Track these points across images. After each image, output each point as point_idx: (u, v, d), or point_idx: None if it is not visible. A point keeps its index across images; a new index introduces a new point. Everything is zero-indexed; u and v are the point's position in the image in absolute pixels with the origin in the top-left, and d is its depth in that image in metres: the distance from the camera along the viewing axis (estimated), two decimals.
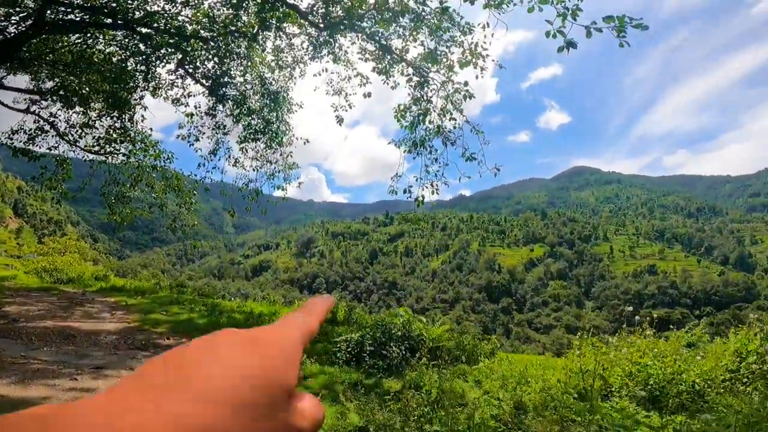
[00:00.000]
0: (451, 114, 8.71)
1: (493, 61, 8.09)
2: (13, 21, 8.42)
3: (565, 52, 5.28)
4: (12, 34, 8.33)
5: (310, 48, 9.78)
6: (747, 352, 4.23)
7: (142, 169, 10.86)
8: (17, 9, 8.10)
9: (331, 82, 9.99)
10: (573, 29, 5.08)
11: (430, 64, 8.45)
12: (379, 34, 8.52)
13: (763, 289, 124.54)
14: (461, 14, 7.75)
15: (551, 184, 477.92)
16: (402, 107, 8.88)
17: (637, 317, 4.47)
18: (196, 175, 10.68)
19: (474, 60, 7.91)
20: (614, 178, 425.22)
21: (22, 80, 10.71)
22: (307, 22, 9.05)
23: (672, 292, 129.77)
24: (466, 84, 8.43)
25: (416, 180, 8.60)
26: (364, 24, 8.34)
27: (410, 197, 8.54)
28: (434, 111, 8.86)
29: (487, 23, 7.40)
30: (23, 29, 8.30)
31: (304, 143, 11.46)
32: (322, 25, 8.68)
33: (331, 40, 9.15)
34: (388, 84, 9.27)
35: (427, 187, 8.58)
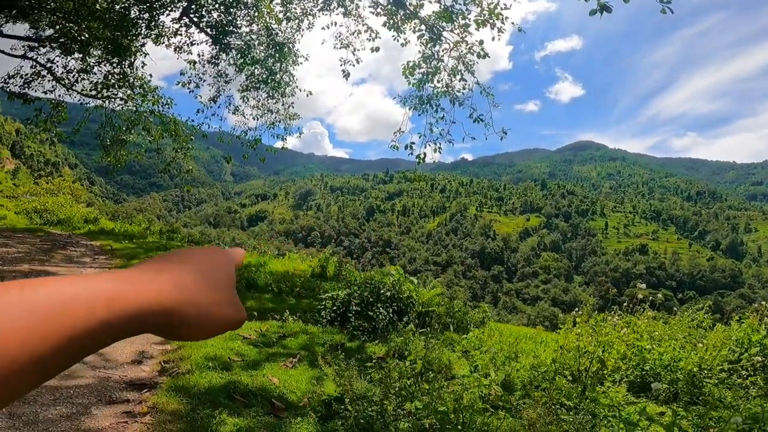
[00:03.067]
0: (462, 75, 8.41)
1: (513, 23, 7.67)
2: None
3: (597, 15, 4.90)
4: None
5: (321, 0, 9.25)
6: (750, 343, 4.04)
7: (139, 114, 10.79)
8: None
9: (339, 36, 9.53)
10: None
11: (444, 23, 8.01)
12: None
13: (748, 278, 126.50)
14: None
15: (555, 155, 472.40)
16: (411, 64, 8.56)
17: (640, 295, 4.24)
18: (194, 121, 10.60)
19: (492, 20, 7.45)
20: (619, 156, 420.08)
21: (22, 29, 10.72)
22: None
23: (659, 273, 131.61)
24: (481, 42, 8.04)
25: (420, 137, 8.36)
26: None
27: (411, 154, 8.32)
28: (444, 70, 8.55)
29: None
30: None
31: (308, 95, 11.35)
32: None
33: None
34: (398, 41, 8.85)
35: (429, 145, 8.38)
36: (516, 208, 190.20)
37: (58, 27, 9.73)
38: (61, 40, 9.73)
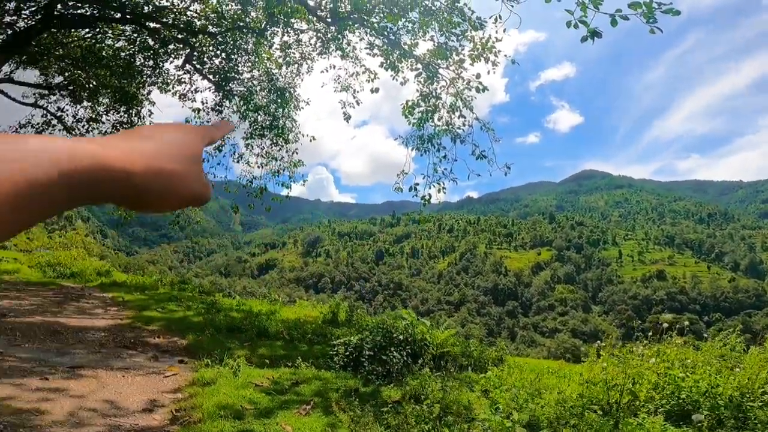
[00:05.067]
0: (461, 111, 8.50)
1: (506, 56, 7.88)
2: (23, 15, 8.39)
3: (589, 41, 5.00)
4: (22, 28, 8.22)
5: (318, 44, 9.62)
6: None
7: None
8: (28, 3, 7.99)
9: (338, 79, 9.81)
10: (596, 18, 4.71)
11: (439, 60, 8.24)
12: (388, 29, 8.26)
13: None
14: (472, 9, 7.47)
15: (560, 187, 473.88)
16: (410, 103, 8.62)
17: (664, 324, 4.06)
18: None
19: (486, 54, 7.67)
20: (625, 183, 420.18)
21: (32, 75, 11.02)
22: (315, 18, 8.83)
23: (681, 298, 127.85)
24: (478, 76, 8.14)
25: (423, 178, 8.30)
26: (373, 19, 8.08)
27: (416, 195, 8.23)
28: (443, 108, 8.64)
29: (500, 16, 7.14)
30: (33, 23, 8.17)
31: (311, 140, 11.28)
32: (329, 20, 8.45)
33: (339, 35, 8.93)
34: (397, 80, 9.03)
35: (433, 186, 8.29)
36: (526, 243, 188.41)
37: (66, 74, 9.89)
38: (70, 87, 9.87)
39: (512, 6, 6.52)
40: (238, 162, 10.85)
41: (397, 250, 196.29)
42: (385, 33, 8.22)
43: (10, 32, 8.23)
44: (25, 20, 8.34)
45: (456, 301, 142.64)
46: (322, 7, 8.29)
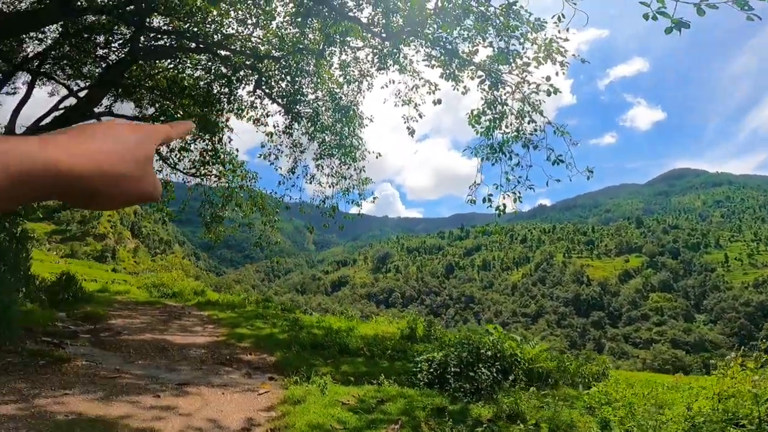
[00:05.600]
0: (530, 116, 8.08)
1: (574, 55, 7.39)
2: (113, 48, 9.54)
3: (675, 33, 4.47)
4: (113, 61, 9.37)
5: (376, 59, 9.71)
6: None
7: (231, 190, 11.40)
8: (115, 35, 9.10)
9: (399, 93, 9.81)
10: (678, 8, 4.23)
11: (501, 65, 7.92)
12: (444, 39, 8.15)
13: None
14: (529, 11, 7.14)
15: (645, 189, 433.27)
16: (476, 112, 8.31)
17: None
18: (276, 193, 11.09)
19: (552, 55, 7.25)
20: (724, 180, 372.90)
21: (129, 107, 12.33)
22: (369, 34, 8.99)
23: None
24: (548, 79, 7.66)
25: (496, 188, 7.92)
26: (427, 30, 8.04)
27: (490, 206, 7.87)
28: (511, 114, 8.27)
29: (562, 15, 6.74)
30: (122, 56, 9.27)
31: (377, 157, 11.32)
32: (384, 35, 8.54)
33: (395, 49, 8.97)
34: (458, 89, 8.80)
35: (508, 195, 7.87)
36: (610, 250, 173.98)
37: (157, 105, 10.80)
38: (161, 118, 10.56)
39: (575, 3, 6.13)
40: (310, 183, 11.18)
41: (467, 263, 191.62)
42: (441, 43, 8.11)
43: (104, 65, 9.34)
44: (116, 53, 9.37)
45: (533, 313, 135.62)
46: (375, 23, 8.41)
